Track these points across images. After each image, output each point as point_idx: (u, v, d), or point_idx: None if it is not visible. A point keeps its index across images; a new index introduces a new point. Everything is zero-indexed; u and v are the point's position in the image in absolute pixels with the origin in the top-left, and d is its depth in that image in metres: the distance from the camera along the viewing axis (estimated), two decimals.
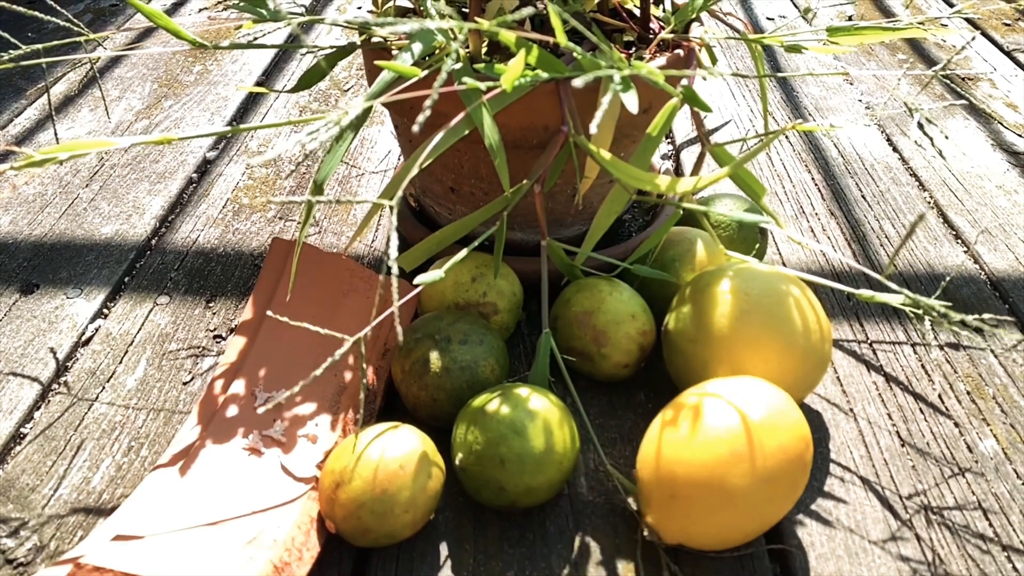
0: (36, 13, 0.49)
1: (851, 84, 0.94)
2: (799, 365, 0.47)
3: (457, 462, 0.45)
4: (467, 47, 0.53)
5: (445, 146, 0.46)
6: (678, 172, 0.79)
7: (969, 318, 0.40)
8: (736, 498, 0.40)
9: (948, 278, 0.56)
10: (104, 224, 0.72)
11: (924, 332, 0.49)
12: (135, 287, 0.65)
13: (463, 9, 0.58)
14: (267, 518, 0.43)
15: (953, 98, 0.91)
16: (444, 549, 0.45)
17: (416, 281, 0.44)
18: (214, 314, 0.62)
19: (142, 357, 0.58)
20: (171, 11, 1.18)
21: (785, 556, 0.45)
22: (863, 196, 0.75)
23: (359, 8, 1.19)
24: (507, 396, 0.45)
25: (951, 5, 1.18)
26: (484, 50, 0.53)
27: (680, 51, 0.54)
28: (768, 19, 1.13)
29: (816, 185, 0.77)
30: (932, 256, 0.67)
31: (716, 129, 0.87)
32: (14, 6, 0.47)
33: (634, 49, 0.57)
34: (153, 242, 0.70)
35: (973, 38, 0.63)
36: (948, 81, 0.91)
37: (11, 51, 0.49)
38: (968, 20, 1.12)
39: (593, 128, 0.31)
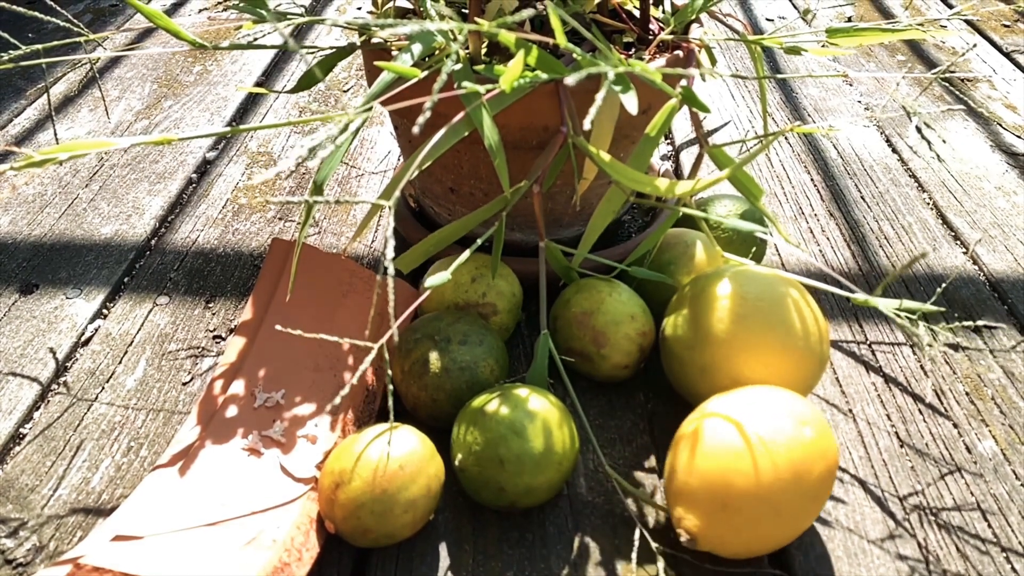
0: (36, 13, 0.49)
1: (850, 85, 0.95)
2: (797, 367, 0.47)
3: (456, 462, 0.45)
4: (467, 48, 0.53)
5: (445, 147, 0.46)
6: (678, 172, 0.79)
7: (966, 323, 0.40)
8: (783, 512, 0.40)
9: (947, 280, 0.56)
10: (104, 224, 0.72)
11: (921, 336, 0.49)
12: (135, 287, 0.65)
13: (463, 10, 0.58)
14: (267, 518, 0.43)
15: (952, 100, 0.91)
16: (443, 549, 0.45)
17: (425, 284, 0.44)
18: (214, 314, 0.62)
19: (142, 357, 0.58)
20: (171, 11, 1.18)
21: (784, 556, 0.45)
22: (862, 197, 0.75)
23: (359, 9, 1.19)
24: (506, 397, 0.45)
25: (950, 6, 1.18)
26: (484, 51, 0.53)
27: (680, 52, 0.55)
28: (768, 20, 1.13)
29: (815, 186, 0.77)
30: (931, 257, 0.67)
31: (715, 130, 0.87)
32: (14, 6, 0.47)
33: (634, 50, 0.57)
34: (153, 242, 0.70)
35: (974, 45, 0.63)
36: (947, 83, 0.91)
37: (11, 51, 0.49)
38: (967, 21, 1.12)
39: (587, 124, 0.31)
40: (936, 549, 0.45)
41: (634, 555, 0.42)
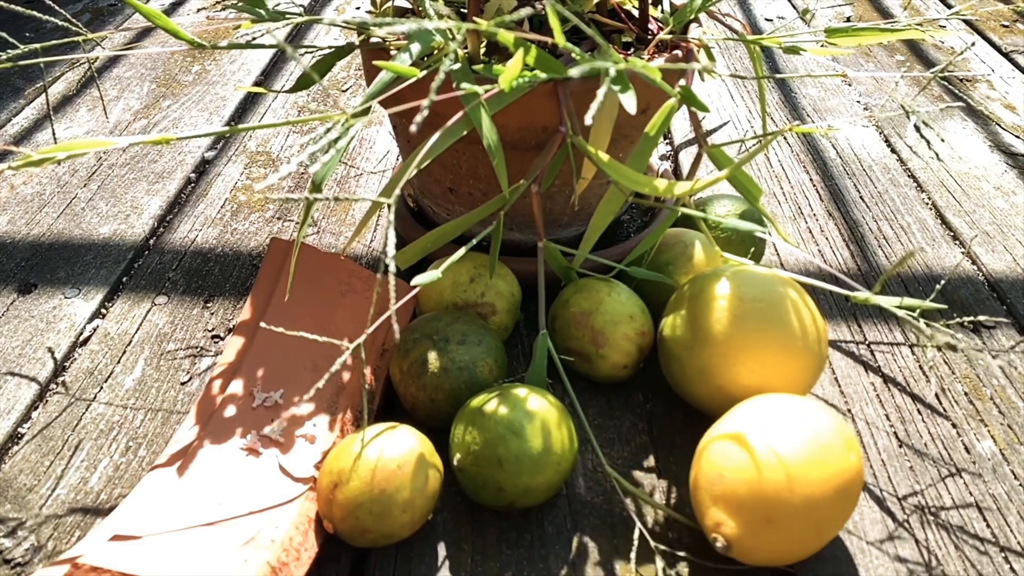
0: (34, 13, 0.49)
1: (849, 85, 0.95)
2: (796, 368, 0.47)
3: (455, 462, 0.45)
4: (465, 48, 0.53)
5: (443, 146, 0.46)
6: (676, 173, 0.79)
7: (965, 320, 0.40)
8: (822, 532, 0.40)
9: (945, 280, 0.56)
10: (102, 224, 0.72)
11: (920, 336, 0.49)
12: (133, 287, 0.64)
13: (461, 9, 0.58)
14: (265, 518, 0.43)
15: (951, 99, 0.91)
16: (442, 549, 0.45)
17: (414, 282, 0.44)
18: (212, 314, 0.62)
19: (140, 357, 0.58)
20: (169, 11, 1.18)
21: None
22: (861, 197, 0.75)
23: (357, 8, 1.19)
24: (505, 396, 0.45)
25: (949, 6, 1.18)
26: (483, 51, 0.53)
27: (678, 52, 0.55)
28: (767, 20, 1.13)
29: (814, 186, 0.77)
30: (930, 257, 0.67)
31: (715, 130, 0.87)
32: (12, 6, 0.47)
33: (632, 50, 0.57)
34: (151, 242, 0.70)
35: (972, 43, 0.63)
36: (946, 82, 0.91)
37: (9, 51, 0.49)
38: (966, 22, 1.12)
39: (588, 119, 0.31)
40: (935, 549, 0.45)
41: (633, 554, 0.42)
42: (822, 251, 0.68)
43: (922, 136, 0.81)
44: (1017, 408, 0.54)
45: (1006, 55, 1.02)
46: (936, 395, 0.55)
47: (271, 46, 0.49)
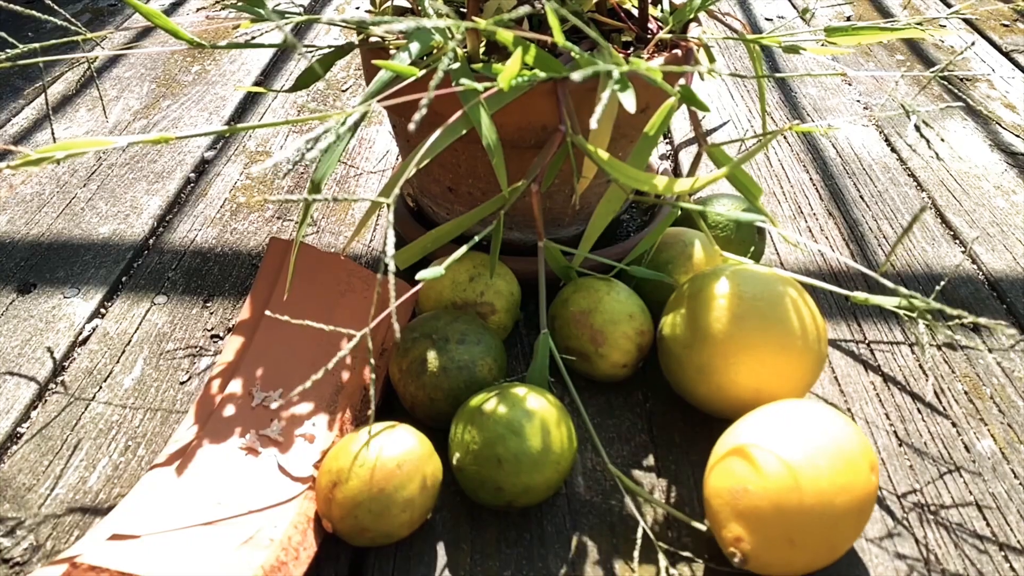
0: (34, 12, 0.49)
1: (849, 85, 0.95)
2: (795, 367, 0.47)
3: (454, 462, 0.45)
4: (465, 47, 0.53)
5: (442, 145, 0.45)
6: (676, 172, 0.79)
7: (964, 316, 0.40)
8: (838, 551, 0.40)
9: (945, 279, 0.56)
10: (102, 224, 0.72)
11: (919, 335, 0.49)
12: (132, 287, 0.64)
13: (461, 9, 0.58)
14: (264, 517, 0.43)
15: (951, 99, 0.91)
16: (441, 549, 0.45)
17: (418, 276, 0.44)
18: (211, 314, 0.62)
19: (139, 357, 0.58)
20: (169, 11, 1.18)
21: None
22: (861, 196, 0.75)
23: (357, 8, 1.19)
24: (504, 396, 0.45)
25: (949, 5, 1.18)
26: (482, 50, 0.53)
27: (678, 51, 0.54)
28: (767, 20, 1.13)
29: (814, 185, 0.77)
30: (930, 256, 0.67)
31: (714, 129, 0.87)
32: (12, 5, 0.47)
33: (632, 49, 0.57)
34: (151, 242, 0.70)
35: (972, 43, 0.63)
36: (946, 82, 0.91)
37: (8, 50, 0.49)
38: (966, 21, 1.12)
39: (593, 123, 0.31)
40: (935, 547, 0.45)
41: (636, 553, 0.42)
42: (821, 250, 0.68)
43: (922, 135, 0.81)
44: (1016, 407, 0.54)
45: (1006, 54, 1.02)
46: (936, 394, 0.55)
47: (271, 45, 0.49)
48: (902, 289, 0.42)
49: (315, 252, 0.58)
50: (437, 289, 0.54)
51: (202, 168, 0.80)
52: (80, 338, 0.59)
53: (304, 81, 0.53)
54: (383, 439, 0.43)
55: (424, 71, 0.48)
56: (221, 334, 0.60)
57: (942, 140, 0.83)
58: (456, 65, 0.47)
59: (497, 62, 0.52)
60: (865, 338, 0.59)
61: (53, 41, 0.50)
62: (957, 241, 0.69)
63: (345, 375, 0.51)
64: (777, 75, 0.52)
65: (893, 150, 0.82)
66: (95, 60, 1.01)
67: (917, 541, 0.45)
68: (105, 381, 0.56)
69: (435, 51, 0.52)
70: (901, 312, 0.43)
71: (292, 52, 1.04)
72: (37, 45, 0.50)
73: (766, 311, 0.47)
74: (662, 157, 0.82)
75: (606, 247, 0.62)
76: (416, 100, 0.52)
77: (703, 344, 0.48)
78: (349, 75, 0.99)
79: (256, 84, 0.97)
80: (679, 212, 0.54)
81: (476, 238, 0.48)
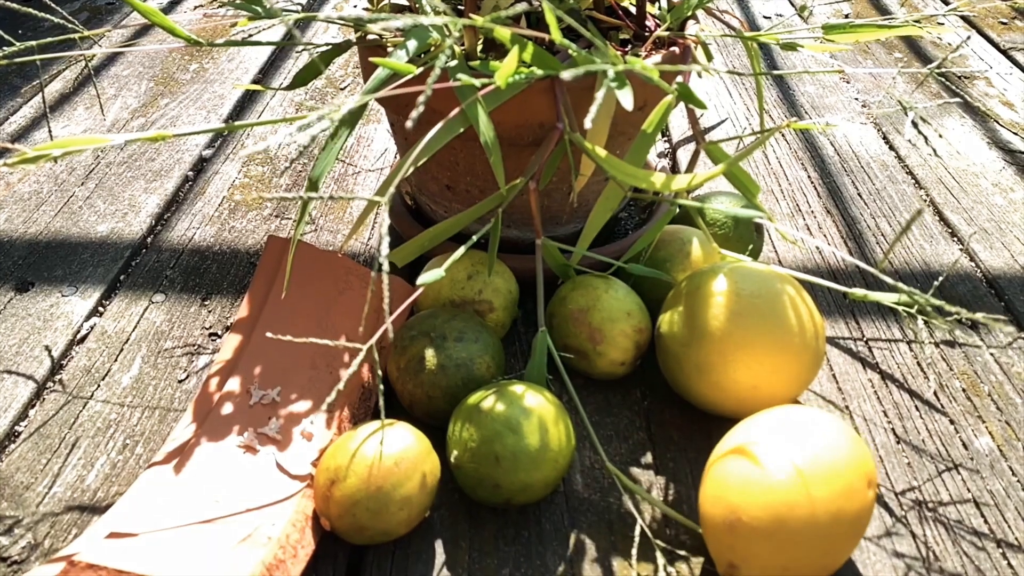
0: (31, 11, 0.49)
1: (847, 82, 0.95)
2: (793, 364, 0.47)
3: (452, 459, 0.45)
4: (462, 44, 0.53)
5: (440, 143, 0.45)
6: (675, 170, 0.79)
7: (963, 312, 0.40)
8: (833, 567, 0.40)
9: (943, 276, 0.56)
10: (100, 222, 0.72)
11: (918, 331, 0.49)
12: (130, 285, 0.64)
13: (458, 6, 0.58)
14: (262, 516, 0.43)
15: (949, 96, 0.91)
16: (439, 547, 0.45)
17: (418, 282, 0.44)
18: (210, 312, 0.61)
19: (137, 355, 0.58)
20: (167, 9, 1.18)
21: None
22: (859, 194, 0.75)
23: (355, 6, 1.19)
24: (502, 393, 0.45)
25: (947, 3, 1.18)
26: (480, 48, 0.53)
27: (676, 49, 0.54)
28: (765, 17, 1.13)
29: (812, 183, 0.77)
30: (928, 254, 0.67)
31: (712, 127, 0.87)
32: (9, 3, 0.47)
33: (630, 47, 0.57)
34: (149, 240, 0.70)
35: (968, 38, 0.63)
36: (944, 79, 0.91)
37: (5, 48, 0.49)
38: (964, 18, 1.12)
39: (588, 122, 0.31)
40: (933, 545, 0.45)
41: (634, 551, 0.42)
42: (820, 248, 0.68)
43: (920, 132, 0.81)
44: (1014, 404, 0.54)
45: (1004, 52, 1.02)
46: (934, 391, 0.55)
47: (269, 43, 0.49)
48: (902, 285, 0.42)
49: (313, 250, 0.58)
50: (435, 287, 0.54)
51: (200, 167, 0.80)
52: (78, 336, 0.59)
53: (302, 79, 0.53)
54: (381, 437, 0.43)
55: (421, 68, 0.48)
56: (219, 332, 0.60)
57: (940, 137, 0.83)
58: (453, 63, 0.47)
59: (495, 59, 0.52)
60: (863, 335, 0.59)
61: (51, 39, 0.49)
62: (955, 238, 0.69)
63: (343, 373, 0.51)
64: (775, 72, 0.52)
65: (891, 148, 0.82)
66: (93, 58, 1.01)
67: (915, 539, 0.45)
68: (103, 379, 0.56)
69: (432, 48, 0.51)
70: (899, 309, 0.43)
71: (290, 50, 1.04)
72: (34, 43, 0.50)
73: (764, 309, 0.47)
74: (660, 155, 0.82)
75: (604, 245, 0.62)
76: (413, 97, 0.52)
77: (701, 342, 0.48)
78: (347, 73, 0.99)
79: (254, 82, 0.97)
80: (677, 210, 0.54)
81: (474, 236, 0.48)
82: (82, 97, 0.93)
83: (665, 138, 0.85)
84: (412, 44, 0.46)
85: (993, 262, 0.66)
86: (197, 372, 0.56)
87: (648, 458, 0.50)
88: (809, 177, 0.77)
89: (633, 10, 0.58)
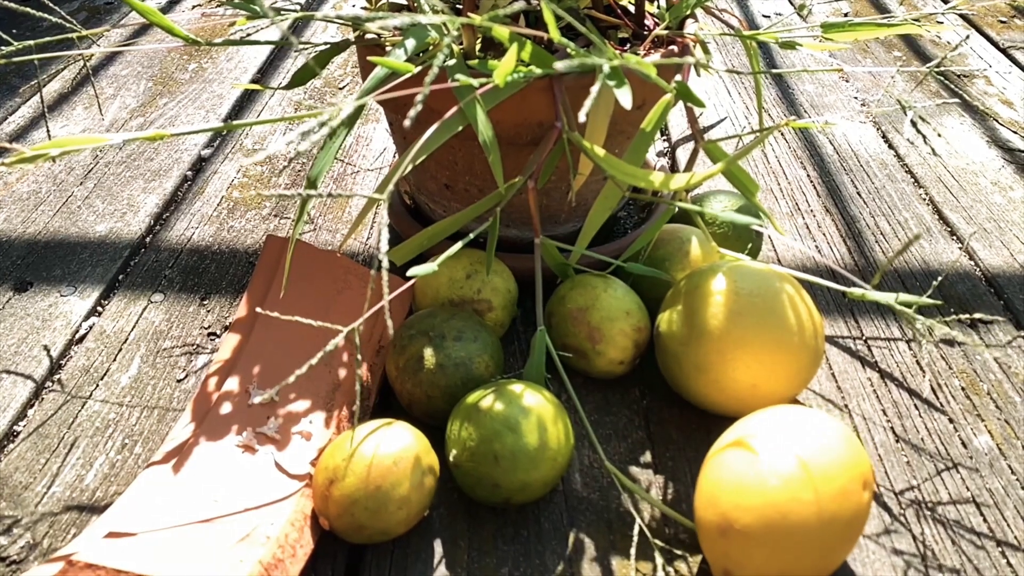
0: (29, 10, 0.48)
1: (846, 81, 0.94)
2: (792, 363, 0.47)
3: (451, 459, 0.45)
4: (461, 43, 0.53)
5: (438, 142, 0.45)
6: (674, 169, 0.79)
7: (962, 317, 0.40)
8: (830, 570, 0.40)
9: (942, 275, 0.56)
10: (98, 222, 0.72)
11: (916, 331, 0.49)
12: (129, 285, 0.64)
13: (457, 5, 0.58)
14: (261, 515, 0.43)
15: (948, 95, 0.91)
16: (438, 546, 0.45)
17: (410, 272, 0.44)
18: (208, 311, 0.61)
19: (136, 355, 0.58)
20: (166, 8, 1.18)
21: None
22: (858, 193, 0.75)
23: (353, 6, 1.19)
24: (501, 393, 0.45)
25: (946, 1, 1.18)
26: (478, 47, 0.53)
27: (674, 48, 0.54)
28: (764, 16, 1.13)
29: (811, 182, 0.77)
30: (927, 253, 0.67)
31: (712, 126, 0.87)
32: (8, 3, 0.47)
33: (628, 46, 0.57)
34: (147, 240, 0.70)
35: (967, 36, 0.63)
36: (943, 78, 0.91)
37: (3, 47, 0.49)
38: (963, 17, 1.12)
39: (582, 116, 0.31)
40: (932, 544, 0.45)
41: (633, 550, 0.42)
42: (819, 247, 0.68)
43: (919, 131, 0.81)
44: (1014, 403, 0.54)
45: (1003, 51, 1.02)
46: (933, 390, 0.55)
47: (267, 42, 0.49)
48: (902, 296, 0.42)
49: (312, 249, 0.58)
50: (434, 286, 0.54)
51: (199, 166, 0.80)
52: (77, 336, 0.59)
53: (301, 78, 0.53)
54: (380, 436, 0.43)
55: (420, 67, 0.48)
56: (218, 332, 0.60)
57: (939, 136, 0.83)
58: (452, 61, 0.47)
59: (493, 58, 0.52)
60: (862, 334, 0.59)
61: (49, 39, 0.49)
62: (954, 237, 0.69)
63: (342, 372, 0.51)
64: (774, 71, 0.52)
65: (890, 147, 0.82)
66: (91, 58, 1.01)
67: (914, 537, 0.45)
68: (102, 379, 0.56)
69: (431, 48, 0.51)
70: (898, 307, 0.43)
71: (289, 49, 1.04)
72: (32, 43, 0.50)
73: (763, 308, 0.47)
74: (659, 154, 0.82)
75: (603, 244, 0.62)
76: (412, 96, 0.52)
77: (700, 341, 0.48)
78: (346, 73, 0.99)
79: (253, 82, 0.96)
80: (676, 209, 0.54)
81: (472, 235, 0.48)
82: (80, 97, 0.93)
83: (664, 137, 0.85)
84: (410, 43, 0.46)
85: (992, 261, 0.66)
86: (196, 372, 0.56)
87: (647, 457, 0.50)
88: (808, 176, 0.77)
89: (632, 9, 0.58)
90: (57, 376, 0.56)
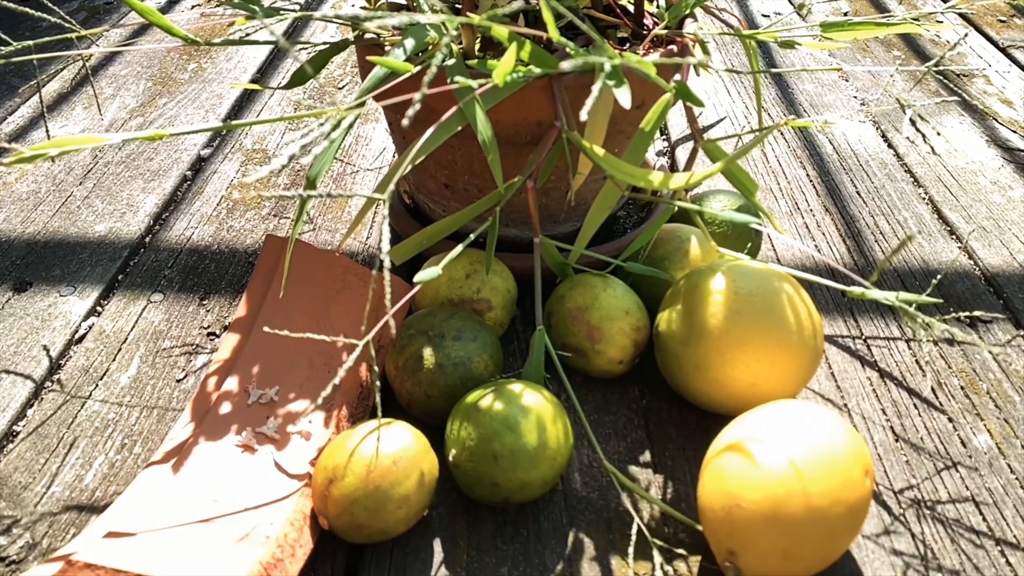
0: (28, 10, 0.48)
1: (846, 80, 0.94)
2: (791, 362, 0.47)
3: (450, 458, 0.45)
4: (460, 43, 0.53)
5: (438, 141, 0.45)
6: (673, 169, 0.79)
7: (962, 316, 0.40)
8: (832, 557, 0.40)
9: (942, 274, 0.56)
10: (98, 222, 0.72)
11: (916, 330, 0.49)
12: (129, 285, 0.64)
13: (456, 5, 0.58)
14: (260, 515, 0.43)
15: (948, 94, 0.91)
16: (438, 545, 0.45)
17: (415, 279, 0.44)
18: (208, 311, 0.61)
19: (135, 355, 0.58)
20: (165, 8, 1.18)
21: None
22: (858, 192, 0.75)
23: (352, 5, 1.19)
24: (500, 392, 0.45)
25: (945, 0, 1.18)
26: (477, 46, 0.53)
27: (674, 47, 0.54)
28: (763, 16, 1.13)
29: (811, 181, 0.77)
30: (927, 252, 0.67)
31: (711, 126, 0.87)
32: (7, 3, 0.47)
33: (628, 46, 0.57)
34: (147, 240, 0.70)
35: (967, 35, 0.63)
36: (943, 77, 0.91)
37: (2, 48, 0.49)
38: (963, 16, 1.12)
39: (583, 115, 0.31)
40: (932, 543, 0.45)
41: (631, 549, 0.42)
42: (819, 246, 0.68)
43: (918, 130, 0.81)
44: (1013, 402, 0.54)
45: (1003, 50, 1.02)
46: (932, 389, 0.55)
47: (267, 42, 0.49)
48: (902, 294, 0.42)
49: (311, 249, 0.58)
50: (433, 286, 0.54)
51: (198, 166, 0.80)
52: (76, 336, 0.59)
53: (300, 78, 0.53)
54: (379, 436, 0.43)
55: (419, 67, 0.48)
56: (217, 332, 0.60)
57: (939, 135, 0.83)
58: (451, 61, 0.47)
59: (492, 58, 0.52)
60: (862, 334, 0.59)
61: (48, 39, 0.49)
62: (954, 237, 0.69)
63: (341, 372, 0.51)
64: (773, 71, 0.52)
65: (890, 146, 0.82)
66: (90, 58, 1.01)
67: (914, 537, 0.45)
68: (101, 379, 0.56)
69: (430, 47, 0.51)
70: (898, 306, 0.43)
71: (289, 49, 1.04)
72: (32, 43, 0.50)
73: (763, 307, 0.47)
74: (659, 153, 0.82)
75: (602, 243, 0.62)
76: (411, 96, 0.52)
77: (699, 340, 0.48)
78: (346, 72, 0.99)
79: (252, 81, 0.96)
80: (675, 208, 0.54)
81: (472, 235, 0.48)
82: (80, 97, 0.93)
83: (664, 136, 0.85)
84: (409, 43, 0.46)
85: (992, 260, 0.66)
86: (195, 371, 0.56)
87: (646, 456, 0.50)
88: (808, 175, 0.77)
89: (631, 8, 0.58)
90: (56, 376, 0.56)
